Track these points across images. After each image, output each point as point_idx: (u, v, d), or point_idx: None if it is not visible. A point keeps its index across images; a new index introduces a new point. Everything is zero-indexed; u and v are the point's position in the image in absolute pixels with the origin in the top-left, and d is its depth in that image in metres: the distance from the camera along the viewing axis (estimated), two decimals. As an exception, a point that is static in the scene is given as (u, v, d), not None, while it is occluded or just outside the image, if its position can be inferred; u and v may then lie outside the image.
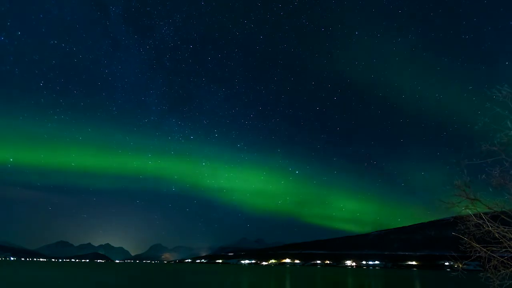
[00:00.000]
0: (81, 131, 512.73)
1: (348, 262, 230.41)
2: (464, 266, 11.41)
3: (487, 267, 9.86)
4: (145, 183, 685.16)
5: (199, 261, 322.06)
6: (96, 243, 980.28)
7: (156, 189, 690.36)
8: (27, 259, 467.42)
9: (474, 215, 10.09)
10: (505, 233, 9.53)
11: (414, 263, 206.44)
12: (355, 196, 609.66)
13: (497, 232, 9.64)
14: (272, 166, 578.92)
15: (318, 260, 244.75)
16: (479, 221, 9.85)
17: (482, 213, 10.05)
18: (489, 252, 9.80)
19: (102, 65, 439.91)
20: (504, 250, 9.76)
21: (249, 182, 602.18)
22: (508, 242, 9.44)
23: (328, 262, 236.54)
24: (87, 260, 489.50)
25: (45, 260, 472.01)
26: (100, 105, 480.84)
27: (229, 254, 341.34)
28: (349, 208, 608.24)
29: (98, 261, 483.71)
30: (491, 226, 9.72)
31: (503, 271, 9.59)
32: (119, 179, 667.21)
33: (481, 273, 10.03)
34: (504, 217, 9.72)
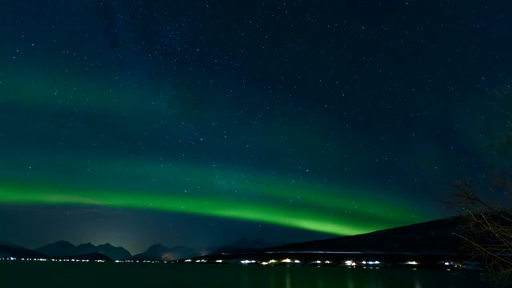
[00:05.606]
0: (95, 137, 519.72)
1: (348, 262, 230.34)
2: (464, 266, 11.38)
3: (487, 267, 9.84)
4: (157, 186, 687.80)
5: (199, 261, 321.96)
6: (96, 243, 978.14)
7: (168, 192, 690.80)
8: (27, 259, 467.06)
9: (474, 215, 10.06)
10: (505, 233, 9.51)
11: (414, 263, 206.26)
12: (366, 193, 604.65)
13: (497, 232, 9.61)
14: (282, 166, 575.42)
15: (318, 260, 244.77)
16: (479, 221, 9.83)
17: (482, 213, 10.02)
18: (489, 252, 9.78)
19: (112, 72, 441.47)
20: (504, 250, 9.74)
21: (259, 182, 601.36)
22: (508, 242, 9.42)
23: (328, 262, 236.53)
24: (87, 260, 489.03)
25: (45, 260, 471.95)
26: (112, 111, 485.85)
27: (229, 254, 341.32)
28: (360, 206, 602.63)
29: (98, 261, 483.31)
30: (491, 226, 9.69)
31: (503, 271, 9.56)
32: (131, 183, 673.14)
33: (481, 273, 10.01)
34: (504, 217, 9.69)
